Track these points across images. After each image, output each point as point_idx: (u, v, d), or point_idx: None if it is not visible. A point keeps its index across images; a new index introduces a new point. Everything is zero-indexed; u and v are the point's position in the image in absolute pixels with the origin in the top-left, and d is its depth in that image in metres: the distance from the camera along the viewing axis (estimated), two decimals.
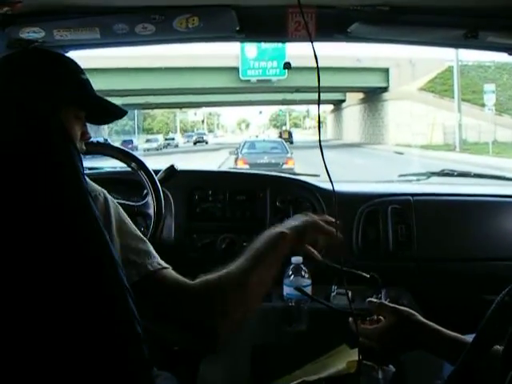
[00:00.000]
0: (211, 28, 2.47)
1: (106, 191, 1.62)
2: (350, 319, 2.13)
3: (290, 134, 45.06)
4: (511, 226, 2.89)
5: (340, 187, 2.98)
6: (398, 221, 2.88)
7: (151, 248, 1.70)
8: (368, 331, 1.99)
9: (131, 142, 44.54)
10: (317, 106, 1.81)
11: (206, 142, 61.25)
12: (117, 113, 1.78)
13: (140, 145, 46.83)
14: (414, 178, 3.60)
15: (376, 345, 2.00)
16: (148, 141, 51.45)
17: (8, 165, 1.19)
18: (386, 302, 2.10)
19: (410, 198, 2.95)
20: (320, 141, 2.55)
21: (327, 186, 2.74)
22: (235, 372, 2.64)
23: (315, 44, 1.84)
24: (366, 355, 2.45)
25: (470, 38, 2.36)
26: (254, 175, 3.56)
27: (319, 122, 2.48)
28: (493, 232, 2.90)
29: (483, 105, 33.84)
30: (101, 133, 45.21)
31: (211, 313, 1.65)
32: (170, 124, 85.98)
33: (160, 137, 59.76)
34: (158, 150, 44.51)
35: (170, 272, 1.70)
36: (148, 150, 43.92)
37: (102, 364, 1.21)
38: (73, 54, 2.74)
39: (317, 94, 1.72)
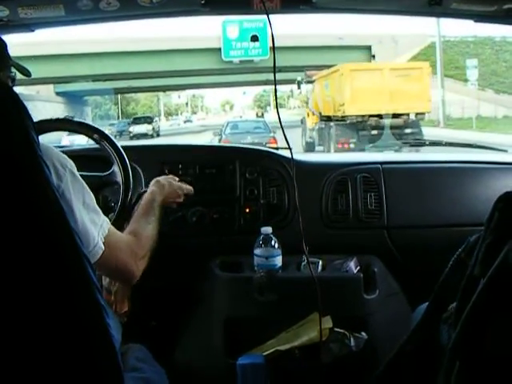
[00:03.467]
0: (175, 2, 2.47)
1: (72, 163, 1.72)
2: None
3: (262, 114, 53.58)
4: (481, 191, 2.89)
5: (309, 157, 3.00)
6: (368, 189, 2.88)
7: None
8: None
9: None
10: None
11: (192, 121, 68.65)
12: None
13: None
14: (386, 148, 3.61)
15: None
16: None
17: None
18: None
19: (379, 166, 2.96)
20: (279, 115, 2.60)
21: (296, 156, 2.73)
22: (209, 344, 2.67)
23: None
24: (338, 322, 2.50)
25: (434, 5, 2.36)
26: (223, 148, 3.57)
27: (276, 100, 2.50)
28: (463, 198, 2.92)
29: (466, 80, 33.89)
30: (84, 118, 45.06)
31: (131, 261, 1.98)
32: (153, 108, 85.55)
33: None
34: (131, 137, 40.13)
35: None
36: (122, 134, 40.55)
37: (61, 333, 1.23)
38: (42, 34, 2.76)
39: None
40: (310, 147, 19.44)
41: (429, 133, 22.62)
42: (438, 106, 32.65)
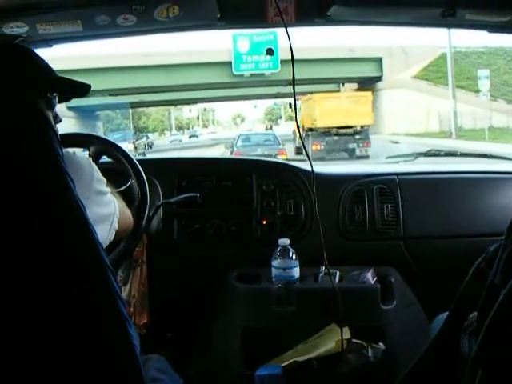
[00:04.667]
0: (192, 17, 2.48)
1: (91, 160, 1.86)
2: None
3: (271, 127, 57.57)
4: (498, 201, 2.89)
5: (325, 169, 3.02)
6: (384, 200, 2.90)
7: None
8: None
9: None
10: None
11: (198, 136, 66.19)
12: (83, 87, 1.95)
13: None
14: (401, 159, 3.61)
15: None
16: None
17: None
18: None
19: (395, 177, 2.97)
20: (298, 127, 2.63)
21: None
22: (227, 355, 2.68)
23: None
24: (355, 333, 2.51)
25: (448, 17, 2.37)
26: (240, 161, 3.58)
27: (295, 111, 2.52)
28: (479, 208, 2.92)
29: (478, 91, 33.79)
30: (96, 132, 45.08)
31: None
32: (165, 122, 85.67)
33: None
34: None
35: None
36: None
37: (87, 343, 1.24)
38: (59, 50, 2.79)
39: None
40: (298, 150, 24.06)
41: (441, 144, 22.71)
42: (450, 118, 32.60)
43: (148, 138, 53.02)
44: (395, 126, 37.33)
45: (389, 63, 40.65)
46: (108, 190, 1.91)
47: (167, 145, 54.76)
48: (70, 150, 1.91)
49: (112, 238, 1.93)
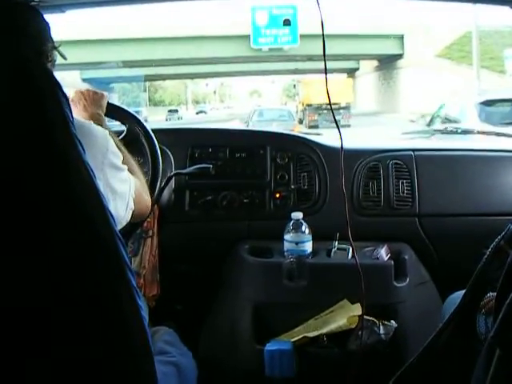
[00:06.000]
0: None
1: (107, 133, 1.83)
2: None
3: (286, 103, 59.89)
4: None
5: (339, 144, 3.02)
6: (400, 176, 2.89)
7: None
8: None
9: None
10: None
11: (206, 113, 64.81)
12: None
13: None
14: (417, 135, 3.59)
15: None
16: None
17: None
18: None
19: (412, 153, 2.95)
20: (330, 104, 2.63)
21: (327, 142, 2.77)
22: (237, 329, 2.70)
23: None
24: (367, 310, 2.51)
25: None
26: (254, 132, 3.57)
27: (327, 87, 2.50)
28: (496, 186, 2.90)
29: (502, 71, 33.47)
30: None
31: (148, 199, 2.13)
32: (181, 95, 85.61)
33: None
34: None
35: None
36: None
37: (95, 314, 1.25)
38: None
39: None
40: (299, 121, 31.33)
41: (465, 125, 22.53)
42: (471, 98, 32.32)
43: (177, 111, 54.12)
44: (415, 105, 37.09)
45: (410, 41, 40.35)
46: (125, 167, 1.90)
47: (193, 118, 54.97)
48: (85, 121, 1.90)
49: (129, 218, 1.90)
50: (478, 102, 11.66)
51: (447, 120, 11.60)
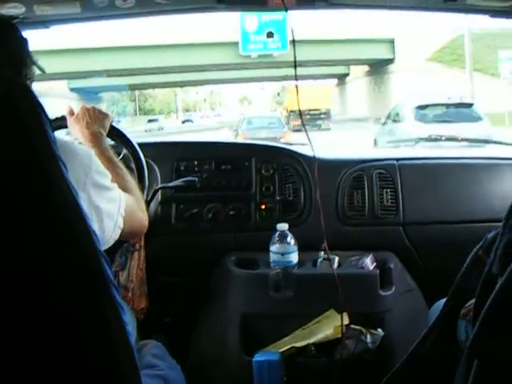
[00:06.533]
0: None
1: (91, 152, 1.81)
2: None
3: (275, 109, 59.96)
4: (498, 187, 2.92)
5: (325, 154, 3.05)
6: (384, 185, 2.93)
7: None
8: None
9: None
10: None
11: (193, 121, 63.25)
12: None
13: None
14: (402, 143, 3.64)
15: None
16: None
17: None
18: None
19: (395, 162, 3.00)
20: (300, 111, 2.71)
21: (311, 153, 2.80)
22: (225, 340, 2.73)
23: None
24: (354, 319, 2.57)
25: (449, 1, 2.40)
26: (239, 144, 3.62)
27: (297, 93, 2.58)
28: (479, 194, 2.94)
29: (494, 74, 33.48)
30: None
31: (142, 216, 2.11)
32: (171, 104, 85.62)
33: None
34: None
35: None
36: None
37: (78, 331, 1.25)
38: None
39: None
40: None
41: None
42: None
43: (158, 121, 52.61)
44: None
45: (402, 45, 40.43)
46: (113, 186, 1.89)
47: (178, 127, 54.40)
48: (68, 139, 1.92)
49: (116, 237, 1.88)
50: (414, 106, 15.92)
51: (395, 120, 16.38)
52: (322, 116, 36.65)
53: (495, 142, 3.48)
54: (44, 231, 1.22)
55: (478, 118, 15.30)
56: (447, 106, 16.57)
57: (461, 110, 16.00)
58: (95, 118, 2.29)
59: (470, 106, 16.59)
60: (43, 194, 1.23)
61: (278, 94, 48.28)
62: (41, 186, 1.23)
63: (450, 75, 36.89)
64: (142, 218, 2.12)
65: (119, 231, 1.88)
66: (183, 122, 65.86)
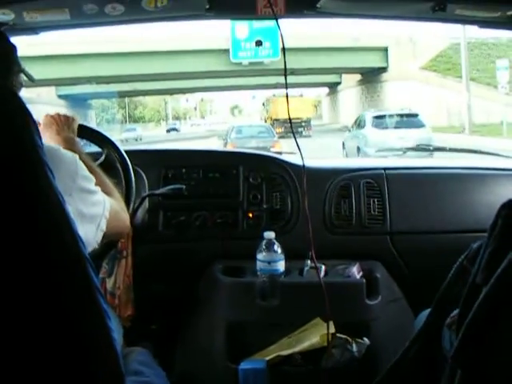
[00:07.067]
0: (180, 7, 2.56)
1: (77, 158, 1.85)
2: None
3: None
4: (485, 197, 2.98)
5: (312, 163, 3.10)
6: (371, 195, 2.99)
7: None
8: None
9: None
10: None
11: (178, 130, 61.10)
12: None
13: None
14: (390, 153, 3.69)
15: None
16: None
17: None
18: None
19: (383, 171, 3.06)
20: (290, 120, 2.78)
21: (299, 162, 2.84)
22: (211, 348, 2.77)
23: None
24: (340, 328, 2.60)
25: (438, 11, 2.45)
26: (227, 153, 3.67)
27: (287, 102, 2.63)
28: (466, 204, 3.00)
29: (489, 83, 33.57)
30: (88, 122, 44.72)
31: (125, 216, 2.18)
32: (161, 112, 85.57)
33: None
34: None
35: None
36: None
37: (63, 337, 1.26)
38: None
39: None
40: None
41: (454, 140, 22.59)
42: (460, 112, 32.14)
43: (135, 130, 51.34)
44: None
45: (395, 53, 40.44)
46: (97, 189, 1.93)
47: (164, 135, 53.86)
48: (55, 145, 1.95)
49: (99, 240, 1.92)
50: (372, 115, 21.27)
51: (359, 127, 21.16)
52: (303, 124, 39.11)
53: (483, 153, 3.53)
54: (30, 237, 1.23)
55: (421, 125, 20.21)
56: (398, 115, 21.31)
57: (408, 119, 20.78)
58: (63, 123, 2.34)
59: (416, 115, 21.29)
60: (30, 200, 1.25)
61: (263, 104, 51.18)
62: (28, 193, 1.25)
63: (444, 84, 36.94)
64: (125, 217, 2.18)
65: (101, 234, 1.92)
66: (168, 131, 63.45)
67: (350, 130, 22.00)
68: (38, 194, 1.27)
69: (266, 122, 42.56)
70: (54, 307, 1.25)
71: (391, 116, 21.30)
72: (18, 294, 1.21)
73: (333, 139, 24.74)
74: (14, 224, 1.22)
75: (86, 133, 2.62)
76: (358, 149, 19.47)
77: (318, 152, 20.51)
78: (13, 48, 1.90)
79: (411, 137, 16.99)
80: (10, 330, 1.21)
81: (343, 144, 21.64)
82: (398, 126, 19.87)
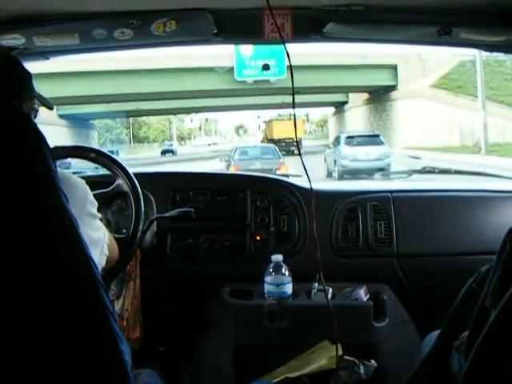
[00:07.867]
0: (188, 31, 2.64)
1: (84, 182, 1.95)
2: None
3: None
4: (492, 220, 3.05)
5: (319, 186, 3.18)
6: (378, 217, 3.07)
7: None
8: None
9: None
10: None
11: (174, 153, 57.54)
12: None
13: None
14: (395, 176, 3.75)
15: None
16: None
17: None
18: None
19: (389, 194, 3.14)
20: (297, 142, 2.88)
21: (306, 185, 2.90)
22: (219, 370, 2.84)
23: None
24: (347, 350, 2.67)
25: (444, 35, 2.53)
26: (234, 176, 3.73)
27: (295, 122, 2.73)
28: (473, 226, 3.07)
29: (502, 102, 33.35)
30: (90, 142, 44.85)
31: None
32: (166, 132, 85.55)
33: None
34: None
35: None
36: None
37: (78, 360, 1.30)
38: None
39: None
40: None
41: (472, 161, 22.57)
42: (473, 131, 31.90)
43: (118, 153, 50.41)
44: (411, 139, 36.84)
45: (404, 71, 40.20)
46: (99, 215, 2.02)
47: (157, 157, 52.76)
48: (65, 171, 2.03)
49: (104, 264, 2.02)
50: (345, 136, 26.83)
51: (336, 145, 25.95)
52: (295, 144, 39.58)
53: (490, 175, 3.60)
54: (46, 262, 1.28)
55: (381, 143, 25.42)
56: (363, 136, 27.27)
57: (371, 139, 25.95)
58: None
59: (377, 136, 26.61)
60: (46, 225, 1.30)
61: (259, 126, 58.80)
62: (44, 218, 1.30)
63: (456, 103, 36.68)
64: (115, 245, 2.29)
65: (105, 258, 2.03)
66: (163, 153, 58.59)
67: (329, 147, 27.22)
68: (53, 219, 1.32)
69: (262, 142, 46.73)
70: (69, 330, 1.29)
71: (360, 136, 27.02)
72: (34, 318, 1.26)
73: (321, 156, 27.49)
74: (31, 249, 1.27)
75: (98, 156, 2.70)
76: (335, 161, 24.62)
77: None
78: (27, 74, 1.96)
79: (374, 152, 24.04)
80: (25, 352, 1.25)
81: (325, 158, 26.61)
82: (363, 144, 25.05)
